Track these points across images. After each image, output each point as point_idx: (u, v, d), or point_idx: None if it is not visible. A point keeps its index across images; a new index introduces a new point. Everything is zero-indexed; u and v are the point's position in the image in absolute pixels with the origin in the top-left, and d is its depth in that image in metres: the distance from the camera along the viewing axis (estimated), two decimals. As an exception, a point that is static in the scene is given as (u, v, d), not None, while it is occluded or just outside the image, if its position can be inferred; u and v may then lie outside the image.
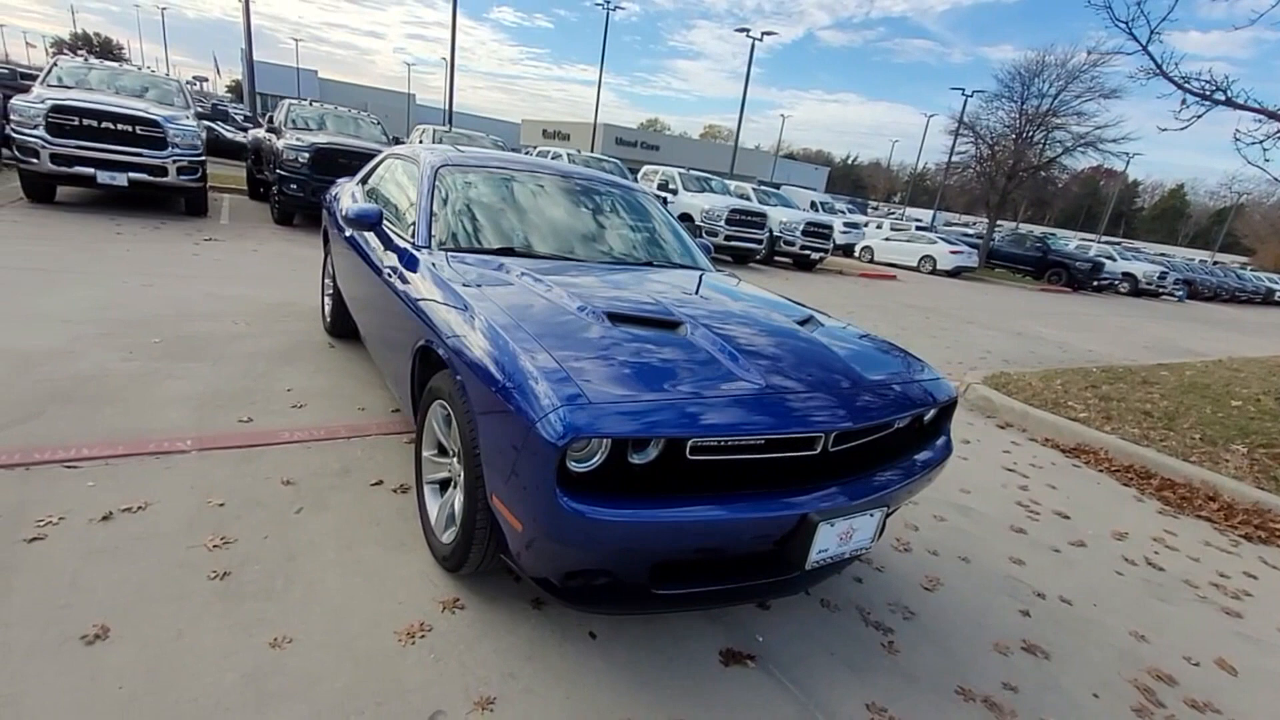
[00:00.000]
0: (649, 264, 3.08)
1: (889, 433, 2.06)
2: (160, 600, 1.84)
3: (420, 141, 11.71)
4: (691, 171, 14.80)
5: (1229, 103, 5.22)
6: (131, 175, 7.17)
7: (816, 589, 2.36)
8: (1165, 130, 5.85)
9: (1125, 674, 2.19)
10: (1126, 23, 5.51)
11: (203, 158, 7.80)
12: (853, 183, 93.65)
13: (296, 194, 8.19)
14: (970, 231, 27.47)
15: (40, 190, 7.39)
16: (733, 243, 12.39)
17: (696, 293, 2.63)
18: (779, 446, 1.74)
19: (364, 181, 4.04)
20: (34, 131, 6.68)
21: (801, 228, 13.52)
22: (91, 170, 6.96)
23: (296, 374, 3.66)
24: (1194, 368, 7.59)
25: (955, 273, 18.67)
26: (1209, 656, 2.36)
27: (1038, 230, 35.48)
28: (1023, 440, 4.56)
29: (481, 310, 2.01)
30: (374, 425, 3.16)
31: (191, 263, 5.94)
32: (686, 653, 1.98)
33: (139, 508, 2.24)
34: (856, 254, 19.88)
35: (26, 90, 7.75)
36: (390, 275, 2.69)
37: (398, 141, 10.75)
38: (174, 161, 7.40)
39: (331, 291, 4.30)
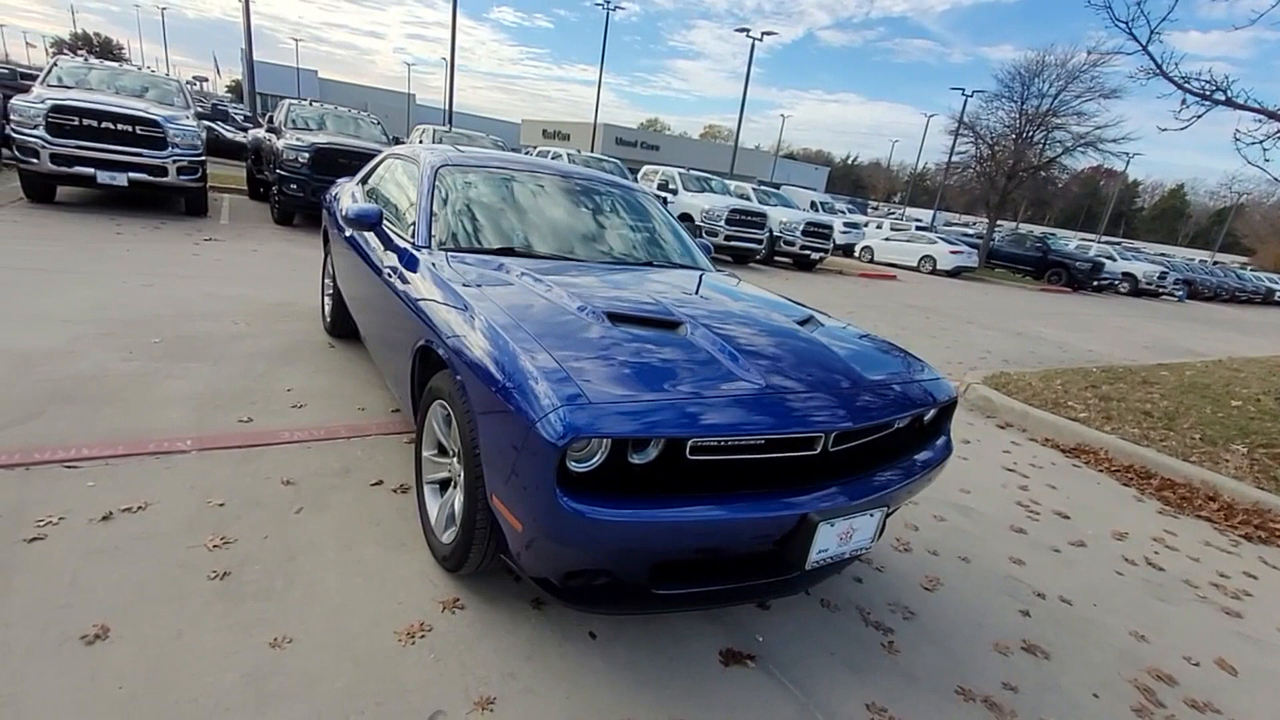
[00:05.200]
0: (649, 264, 3.08)
1: (889, 433, 2.06)
2: (160, 600, 1.84)
3: (420, 141, 11.71)
4: (691, 171, 14.79)
5: (1229, 103, 5.22)
6: (131, 175, 7.17)
7: (816, 589, 2.36)
8: (1165, 130, 5.86)
9: (1125, 674, 2.19)
10: (1126, 23, 5.51)
11: (203, 158, 7.80)
12: (853, 183, 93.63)
13: (296, 194, 8.19)
14: (970, 231, 27.46)
15: (40, 190, 7.39)
16: (733, 243, 12.39)
17: (696, 293, 2.63)
18: (779, 446, 1.74)
19: (364, 181, 4.04)
20: (34, 131, 6.68)
21: (801, 228, 13.52)
22: (91, 170, 6.96)
23: (296, 374, 3.66)
24: (1194, 368, 7.59)
25: (955, 273, 18.67)
26: (1209, 656, 2.35)
27: (1038, 230, 35.49)
28: (1023, 440, 4.56)
29: (481, 310, 2.01)
30: (374, 425, 3.16)
31: (191, 263, 5.94)
32: (686, 653, 1.98)
33: (139, 508, 2.24)
34: (856, 254, 19.88)
35: (26, 90, 7.75)
36: (390, 275, 2.69)
37: (398, 141, 10.75)
38: (174, 161, 7.40)
39: (331, 291, 4.30)
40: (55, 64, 8.43)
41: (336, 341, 4.33)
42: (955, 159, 23.19)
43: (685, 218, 12.65)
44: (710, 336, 2.02)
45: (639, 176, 14.71)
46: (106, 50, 63.98)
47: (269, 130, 9.64)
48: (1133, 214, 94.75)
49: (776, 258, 14.11)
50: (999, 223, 22.52)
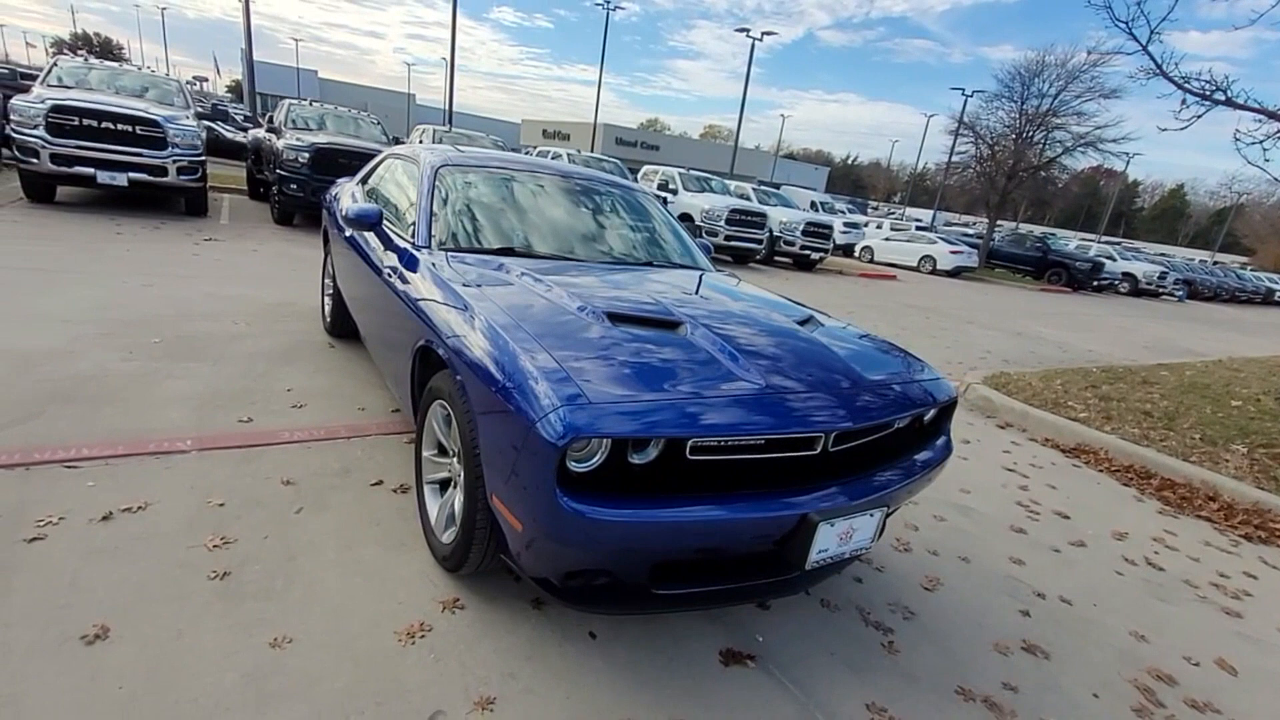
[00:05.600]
0: (649, 264, 3.08)
1: (889, 433, 2.06)
2: (160, 600, 1.84)
3: (420, 141, 11.71)
4: (691, 171, 14.79)
5: (1229, 103, 5.22)
6: (131, 175, 7.17)
7: (816, 589, 2.36)
8: (1165, 130, 5.86)
9: (1125, 674, 2.19)
10: (1126, 23, 5.51)
11: (203, 158, 7.80)
12: (853, 183, 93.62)
13: (296, 194, 8.19)
14: (970, 231, 27.46)
15: (40, 190, 7.39)
16: (733, 243, 12.39)
17: (696, 293, 2.63)
18: (779, 446, 1.74)
19: (364, 181, 4.04)
20: (34, 131, 6.68)
21: (801, 228, 13.53)
22: (91, 170, 6.96)
23: (296, 374, 3.66)
24: (1194, 368, 7.59)
25: (955, 273, 18.67)
26: (1209, 656, 2.36)
27: (1038, 230, 35.49)
28: (1023, 440, 4.56)
29: (481, 310, 2.01)
30: (374, 425, 3.16)
31: (191, 263, 5.94)
32: (686, 653, 1.98)
33: (139, 508, 2.24)
34: (856, 254, 19.88)
35: (26, 90, 7.75)
36: (390, 275, 2.69)
37: (398, 141, 10.75)
38: (174, 161, 7.40)
39: (331, 291, 4.30)
40: (55, 64, 8.43)
41: (336, 341, 4.33)
42: (955, 159, 23.20)
43: (685, 218, 12.64)
44: (710, 336, 2.02)
45: (639, 176, 14.71)
46: (106, 50, 63.96)
47: (269, 130, 9.64)
48: (1133, 214, 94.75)
49: (776, 258, 14.11)
50: (999, 223, 22.52)
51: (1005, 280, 19.78)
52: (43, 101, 6.78)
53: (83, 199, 8.06)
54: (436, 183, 2.96)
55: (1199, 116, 5.51)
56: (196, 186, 7.82)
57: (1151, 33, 5.44)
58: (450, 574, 2.12)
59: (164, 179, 7.41)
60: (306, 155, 8.09)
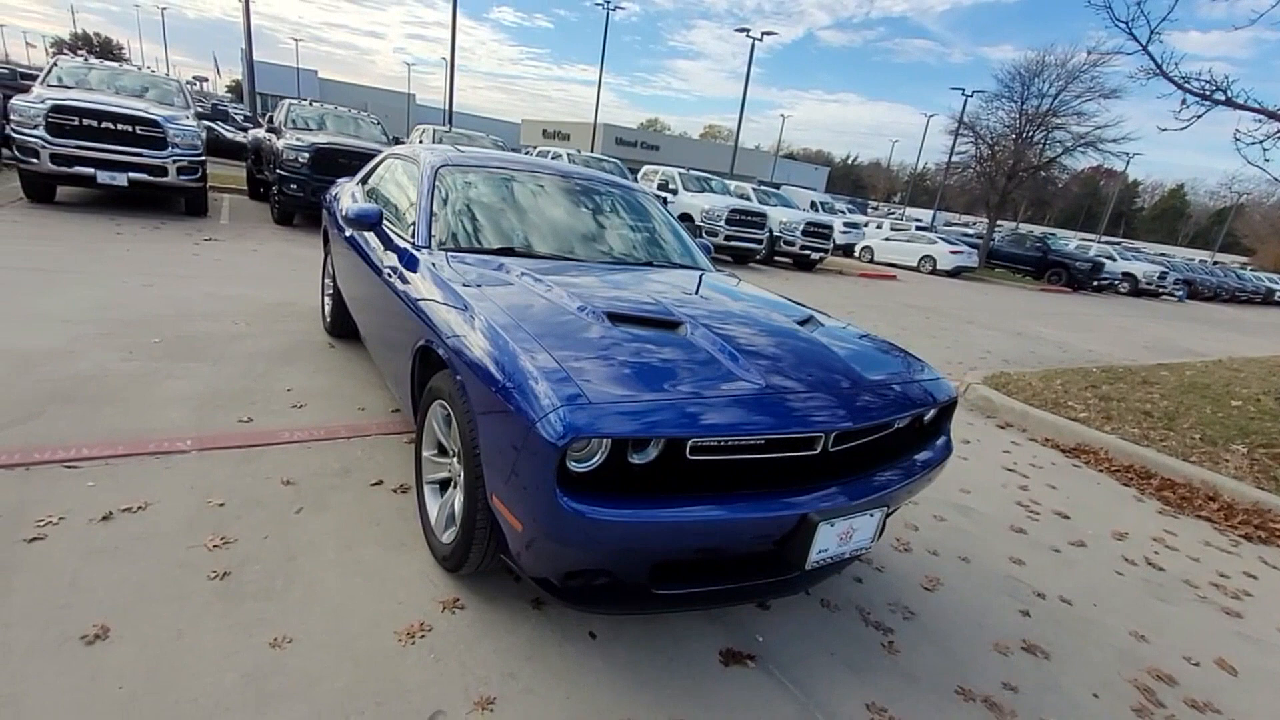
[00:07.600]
0: (649, 264, 3.08)
1: (889, 433, 2.06)
2: (160, 600, 1.84)
3: (420, 141, 11.70)
4: (691, 171, 14.79)
5: (1229, 103, 5.22)
6: (131, 175, 7.17)
7: (816, 589, 2.36)
8: (1165, 130, 5.86)
9: (1125, 674, 2.19)
10: (1126, 23, 5.51)
11: (203, 158, 7.80)
12: (853, 183, 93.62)
13: (296, 194, 8.19)
14: (970, 231, 27.45)
15: (40, 190, 7.39)
16: (733, 243, 12.39)
17: (696, 293, 2.63)
18: (779, 446, 1.74)
19: (364, 181, 4.04)
20: (34, 131, 6.68)
21: (801, 228, 13.52)
22: (91, 170, 6.96)
23: (296, 374, 3.66)
24: (1194, 368, 7.59)
25: (955, 273, 18.67)
26: (1209, 656, 2.36)
27: (1038, 230, 35.49)
28: (1023, 440, 4.56)
29: (481, 310, 2.01)
30: (374, 425, 3.16)
31: (191, 263, 5.94)
32: (686, 653, 1.98)
33: (139, 508, 2.24)
34: (856, 254, 19.88)
35: (26, 90, 7.75)
36: (390, 275, 2.69)
37: (398, 141, 10.75)
38: (174, 161, 7.40)
39: (331, 291, 4.30)
40: (55, 64, 8.43)
41: (336, 341, 4.33)
42: (955, 159, 23.20)
43: (685, 218, 12.64)
44: (710, 336, 2.02)
45: (639, 176, 14.70)
46: (106, 50, 63.94)
47: (269, 130, 9.64)
48: (1133, 214, 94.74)
49: (776, 258, 14.11)
50: (999, 223, 22.52)
51: (1005, 280, 19.78)
52: (43, 101, 6.78)
53: (83, 199, 8.06)
54: (436, 183, 2.96)
55: (1199, 116, 5.51)
56: (196, 186, 7.82)
57: (1151, 33, 5.44)
58: (450, 574, 2.12)
59: (164, 179, 7.41)
60: (306, 155, 8.09)
